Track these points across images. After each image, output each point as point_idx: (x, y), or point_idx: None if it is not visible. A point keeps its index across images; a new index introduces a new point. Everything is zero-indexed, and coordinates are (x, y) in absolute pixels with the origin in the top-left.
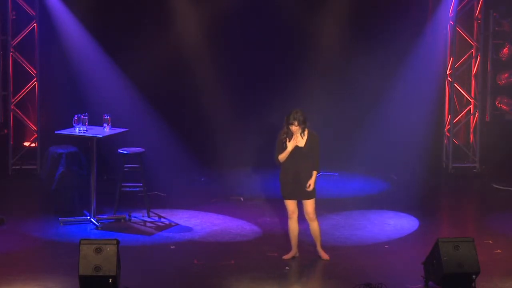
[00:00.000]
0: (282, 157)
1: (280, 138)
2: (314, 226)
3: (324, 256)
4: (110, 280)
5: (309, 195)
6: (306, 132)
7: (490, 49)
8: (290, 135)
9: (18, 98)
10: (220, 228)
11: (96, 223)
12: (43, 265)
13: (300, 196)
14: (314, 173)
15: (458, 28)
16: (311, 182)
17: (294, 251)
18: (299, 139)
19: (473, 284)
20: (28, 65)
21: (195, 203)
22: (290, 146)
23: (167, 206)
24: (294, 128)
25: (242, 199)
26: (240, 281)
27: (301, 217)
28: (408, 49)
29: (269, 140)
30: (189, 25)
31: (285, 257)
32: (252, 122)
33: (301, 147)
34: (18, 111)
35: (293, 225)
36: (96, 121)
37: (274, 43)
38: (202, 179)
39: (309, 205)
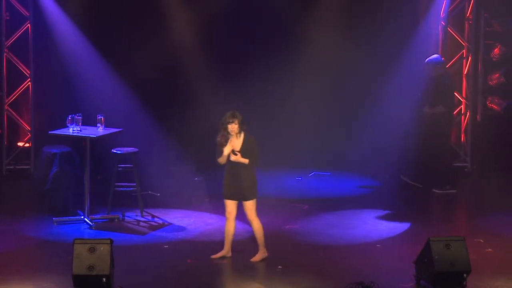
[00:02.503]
0: (220, 161)
1: (218, 141)
2: (254, 225)
3: (257, 256)
4: (104, 279)
5: (246, 196)
6: (242, 135)
7: (481, 49)
8: (226, 138)
9: (12, 98)
10: (213, 227)
11: (90, 222)
12: (37, 265)
13: (239, 197)
14: (246, 160)
15: (450, 28)
16: (239, 157)
17: (225, 251)
18: (235, 142)
19: (464, 283)
20: (22, 66)
21: (189, 202)
22: (226, 150)
23: (161, 206)
24: (233, 126)
25: None
26: (233, 280)
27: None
28: (399, 50)
29: (263, 139)
30: (183, 25)
31: (214, 256)
32: (246, 121)
33: (237, 151)
34: (12, 111)
35: (229, 225)
36: (89, 121)
37: (267, 44)
38: (196, 178)
39: (247, 205)
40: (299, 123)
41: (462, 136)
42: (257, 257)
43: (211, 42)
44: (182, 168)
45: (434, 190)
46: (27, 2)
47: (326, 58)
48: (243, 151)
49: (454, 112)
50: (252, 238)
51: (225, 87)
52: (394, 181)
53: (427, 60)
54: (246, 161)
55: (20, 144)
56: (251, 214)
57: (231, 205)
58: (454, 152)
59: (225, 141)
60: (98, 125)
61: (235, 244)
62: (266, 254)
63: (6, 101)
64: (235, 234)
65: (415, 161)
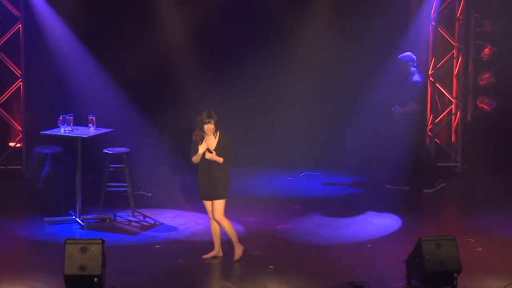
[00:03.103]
0: (195, 159)
1: (193, 139)
2: (224, 225)
3: (237, 254)
4: (95, 279)
5: (218, 195)
6: (217, 134)
7: (472, 49)
8: (202, 137)
9: (3, 98)
10: (205, 227)
11: (81, 222)
12: (28, 265)
13: (212, 196)
14: (221, 159)
15: (440, 28)
16: (214, 156)
17: (216, 250)
18: (210, 141)
19: (455, 282)
20: (13, 66)
21: (180, 202)
22: (201, 149)
23: (152, 206)
24: (210, 126)
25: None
26: (224, 280)
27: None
28: (390, 50)
29: (253, 139)
30: (174, 25)
31: (206, 256)
32: (237, 121)
33: (212, 149)
34: (3, 111)
35: (213, 224)
36: (81, 121)
37: (259, 44)
38: (187, 178)
39: (216, 205)
40: (290, 123)
41: (453, 136)
42: (238, 255)
43: (202, 42)
44: (173, 167)
45: (425, 190)
46: (18, 2)
47: (317, 59)
48: (218, 150)
49: (445, 112)
50: (243, 237)
51: (217, 87)
52: (384, 180)
53: (399, 56)
54: (220, 159)
55: (12, 144)
56: (220, 214)
57: (209, 205)
58: (444, 152)
59: (201, 140)
60: (90, 125)
61: (226, 244)
62: (242, 247)
63: None
64: (225, 234)
65: (397, 165)
